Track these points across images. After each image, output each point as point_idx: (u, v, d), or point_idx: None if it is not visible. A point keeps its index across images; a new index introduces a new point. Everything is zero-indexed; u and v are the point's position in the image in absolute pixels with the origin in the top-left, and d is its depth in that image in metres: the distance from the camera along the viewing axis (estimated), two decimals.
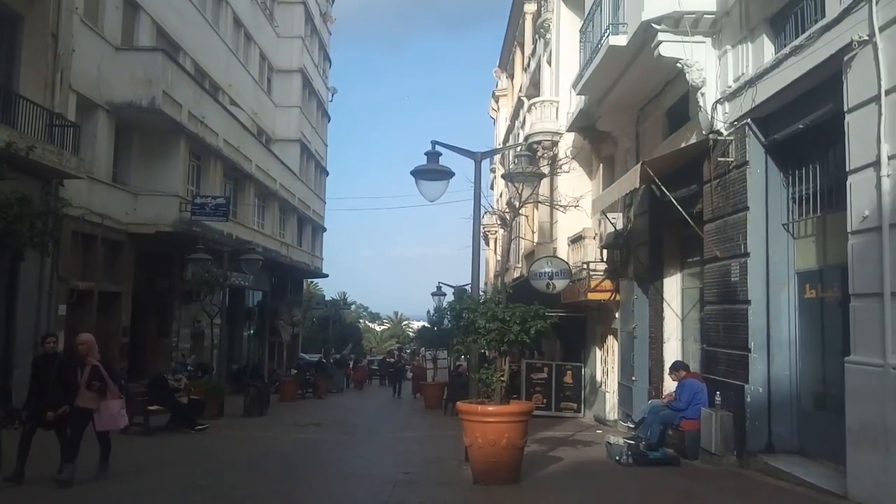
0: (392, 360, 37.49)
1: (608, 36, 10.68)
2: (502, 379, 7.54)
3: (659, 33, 9.45)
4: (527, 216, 17.72)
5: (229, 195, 22.85)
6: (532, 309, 7.57)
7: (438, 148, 9.41)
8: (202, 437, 12.38)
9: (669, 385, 10.69)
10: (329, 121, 40.53)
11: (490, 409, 7.36)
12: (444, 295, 26.16)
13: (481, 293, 10.54)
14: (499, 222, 22.11)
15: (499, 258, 27.32)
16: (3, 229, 7.73)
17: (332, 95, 40.36)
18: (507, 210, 12.55)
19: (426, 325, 43.76)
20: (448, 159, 9.97)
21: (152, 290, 19.56)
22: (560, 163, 13.50)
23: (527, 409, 7.66)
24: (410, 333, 73.66)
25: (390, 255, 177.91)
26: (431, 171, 9.35)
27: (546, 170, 15.36)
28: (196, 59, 21.85)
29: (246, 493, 7.53)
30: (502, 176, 12.87)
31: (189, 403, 13.66)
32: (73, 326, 15.54)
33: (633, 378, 12.65)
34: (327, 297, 59.05)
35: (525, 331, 7.42)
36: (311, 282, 49.72)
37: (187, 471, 9.19)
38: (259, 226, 26.83)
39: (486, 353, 8.54)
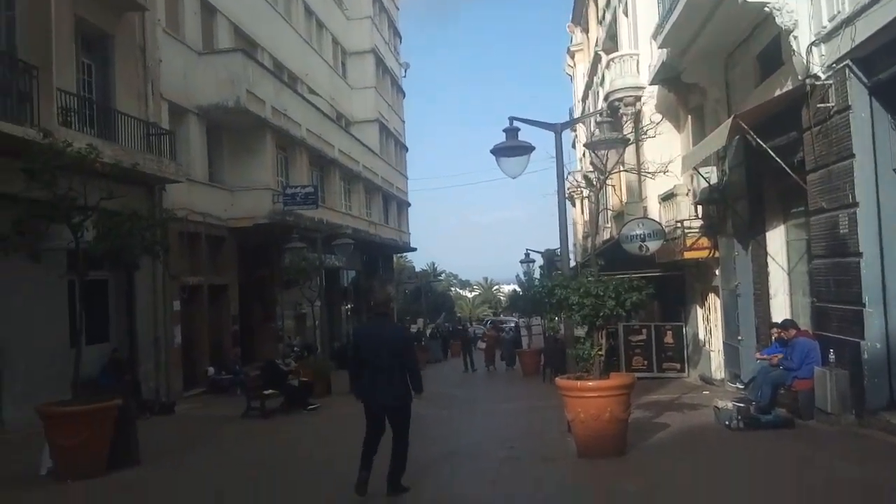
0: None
1: None
2: (600, 353, 7.49)
3: None
4: (613, 185, 17.21)
5: (316, 182, 23.55)
6: (627, 282, 7.43)
7: (516, 123, 9.31)
8: (314, 417, 13.02)
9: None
10: (404, 96, 40.75)
11: (590, 384, 7.35)
12: (533, 261, 26.07)
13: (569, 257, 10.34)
14: (583, 185, 21.64)
15: (586, 219, 26.85)
16: (119, 245, 8.32)
17: (405, 71, 40.47)
18: (593, 175, 12.20)
19: (517, 288, 43.91)
20: (527, 129, 9.79)
21: (255, 279, 20.57)
22: (645, 127, 12.96)
23: (628, 381, 7.57)
24: (502, 298, 74.00)
25: (473, 221, 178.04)
26: (511, 148, 9.27)
27: (630, 128, 14.84)
28: (273, 53, 22.46)
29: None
30: (584, 145, 12.53)
31: (300, 385, 14.36)
32: (188, 320, 16.68)
33: (739, 337, 12.23)
34: (417, 269, 60.16)
35: (620, 304, 7.32)
36: (401, 256, 50.73)
37: (311, 449, 9.72)
38: (347, 208, 27.54)
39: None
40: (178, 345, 15.80)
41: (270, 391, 13.25)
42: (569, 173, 28.02)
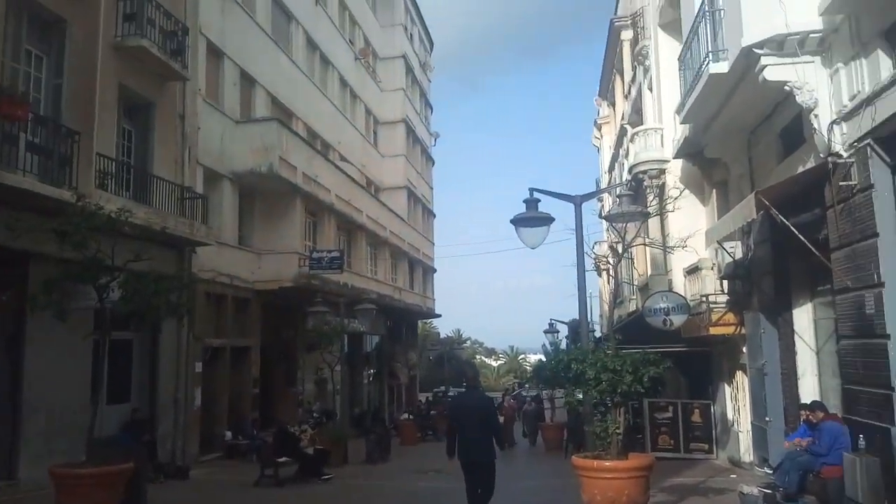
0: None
1: (708, 64, 10.35)
2: (618, 431, 7.30)
3: (762, 57, 9.06)
4: (632, 258, 17.12)
5: (343, 247, 23.85)
6: (644, 356, 7.31)
7: (537, 194, 9.42)
8: (329, 488, 12.77)
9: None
10: (433, 164, 41.56)
11: (607, 464, 7.13)
12: (557, 332, 25.78)
13: (592, 330, 10.26)
14: (608, 255, 21.56)
15: (612, 288, 26.62)
16: (143, 306, 8.50)
17: (435, 140, 41.43)
18: (610, 254, 12.20)
19: (542, 358, 43.28)
20: (548, 200, 9.86)
21: (278, 342, 20.61)
22: (668, 198, 13.00)
23: (647, 463, 7.34)
24: (528, 367, 72.84)
25: (500, 288, 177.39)
26: (531, 219, 9.35)
27: (654, 201, 14.87)
28: (307, 122, 23.24)
29: None
30: (604, 217, 12.59)
31: (315, 453, 14.16)
32: (209, 381, 16.71)
33: (767, 419, 11.82)
34: (442, 336, 59.76)
35: (638, 379, 7.18)
36: (426, 322, 50.55)
37: None
38: (372, 273, 27.75)
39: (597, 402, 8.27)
40: (198, 407, 15.78)
41: (284, 459, 13.07)
42: (595, 244, 28.01)
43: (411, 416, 25.54)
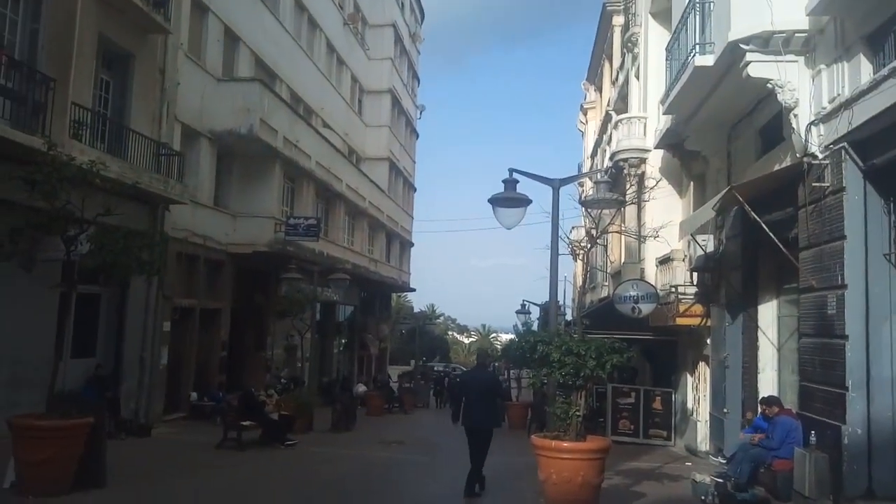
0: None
1: (694, 56, 10.39)
2: (578, 414, 7.42)
3: (747, 53, 9.11)
4: (606, 245, 17.27)
5: (320, 214, 23.70)
6: (609, 344, 7.41)
7: (515, 175, 9.42)
8: (289, 454, 12.82)
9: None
10: (417, 138, 41.30)
11: (565, 445, 7.26)
12: (529, 313, 26.00)
13: (563, 314, 10.38)
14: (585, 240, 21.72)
15: (584, 274, 26.87)
16: (111, 261, 8.37)
17: (420, 113, 41.13)
18: (586, 239, 12.29)
19: (514, 338, 43.80)
20: (527, 182, 9.85)
21: (249, 306, 20.50)
22: (647, 187, 13.10)
23: (603, 446, 7.49)
24: (498, 346, 73.51)
25: (475, 266, 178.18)
26: (509, 199, 9.36)
27: (633, 190, 14.98)
28: (291, 85, 22.89)
29: None
30: (580, 203, 12.66)
31: (279, 419, 14.19)
32: (177, 342, 16.61)
33: (725, 410, 12.09)
34: (416, 310, 59.92)
35: (601, 365, 7.29)
36: (401, 295, 50.64)
37: (274, 490, 9.56)
38: (349, 243, 27.65)
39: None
40: (164, 366, 15.69)
41: (248, 422, 13.09)
42: (573, 228, 28.15)
43: (373, 389, 25.71)
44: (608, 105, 24.90)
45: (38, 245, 8.94)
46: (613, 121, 20.62)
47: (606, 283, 21.84)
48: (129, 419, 13.70)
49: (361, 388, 19.25)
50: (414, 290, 41.72)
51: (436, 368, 43.78)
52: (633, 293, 14.39)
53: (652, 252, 16.37)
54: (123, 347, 14.24)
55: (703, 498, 8.62)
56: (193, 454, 12.06)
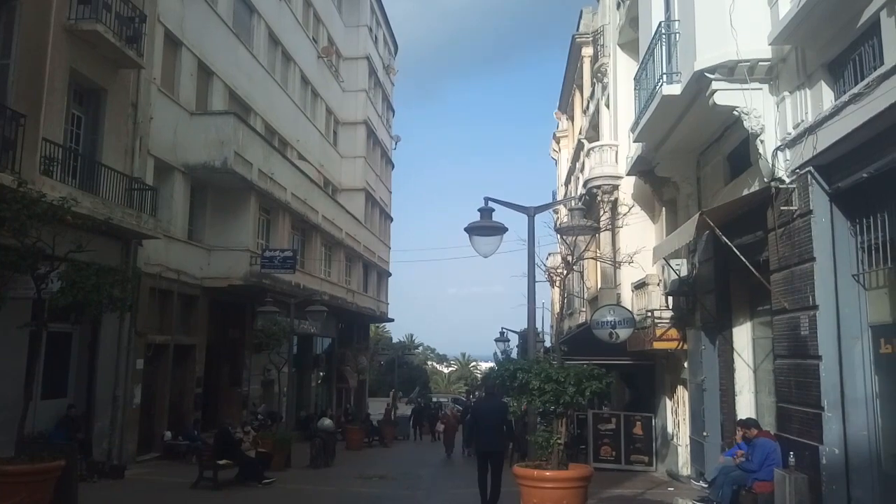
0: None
1: (662, 85, 10.62)
2: (559, 442, 7.39)
3: (713, 82, 9.34)
4: (582, 271, 17.44)
5: (297, 246, 23.58)
6: (587, 369, 7.42)
7: (491, 204, 9.49)
8: (267, 493, 12.57)
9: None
10: (392, 168, 41.47)
11: (547, 474, 7.21)
12: (508, 340, 25.99)
13: (542, 340, 10.43)
14: (562, 267, 21.85)
15: (561, 300, 26.99)
16: (82, 299, 8.24)
17: (396, 143, 41.36)
18: (562, 265, 12.39)
19: (493, 366, 43.64)
20: (502, 211, 9.96)
21: (225, 341, 20.23)
22: (620, 214, 13.28)
23: (586, 474, 7.44)
24: (479, 375, 73.15)
25: (453, 295, 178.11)
26: (485, 227, 9.41)
27: (606, 216, 15.16)
28: (266, 118, 22.93)
29: None
30: (555, 230, 12.79)
31: (256, 456, 13.92)
32: (150, 379, 16.28)
33: (705, 433, 12.14)
34: (395, 340, 59.58)
35: (580, 392, 7.28)
36: (379, 326, 50.30)
37: None
38: (326, 274, 27.49)
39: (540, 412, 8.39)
40: (137, 405, 15.33)
41: (224, 461, 12.81)
42: (549, 255, 28.35)
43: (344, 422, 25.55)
44: (580, 133, 25.29)
45: (8, 283, 8.78)
46: (585, 149, 20.93)
47: (584, 309, 21.94)
48: (102, 461, 13.35)
49: (327, 421, 18.93)
50: (392, 320, 41.52)
51: (434, 400, 43.93)
52: (610, 318, 14.47)
53: (627, 277, 16.51)
54: (96, 387, 13.91)
55: None
56: (168, 495, 11.77)
